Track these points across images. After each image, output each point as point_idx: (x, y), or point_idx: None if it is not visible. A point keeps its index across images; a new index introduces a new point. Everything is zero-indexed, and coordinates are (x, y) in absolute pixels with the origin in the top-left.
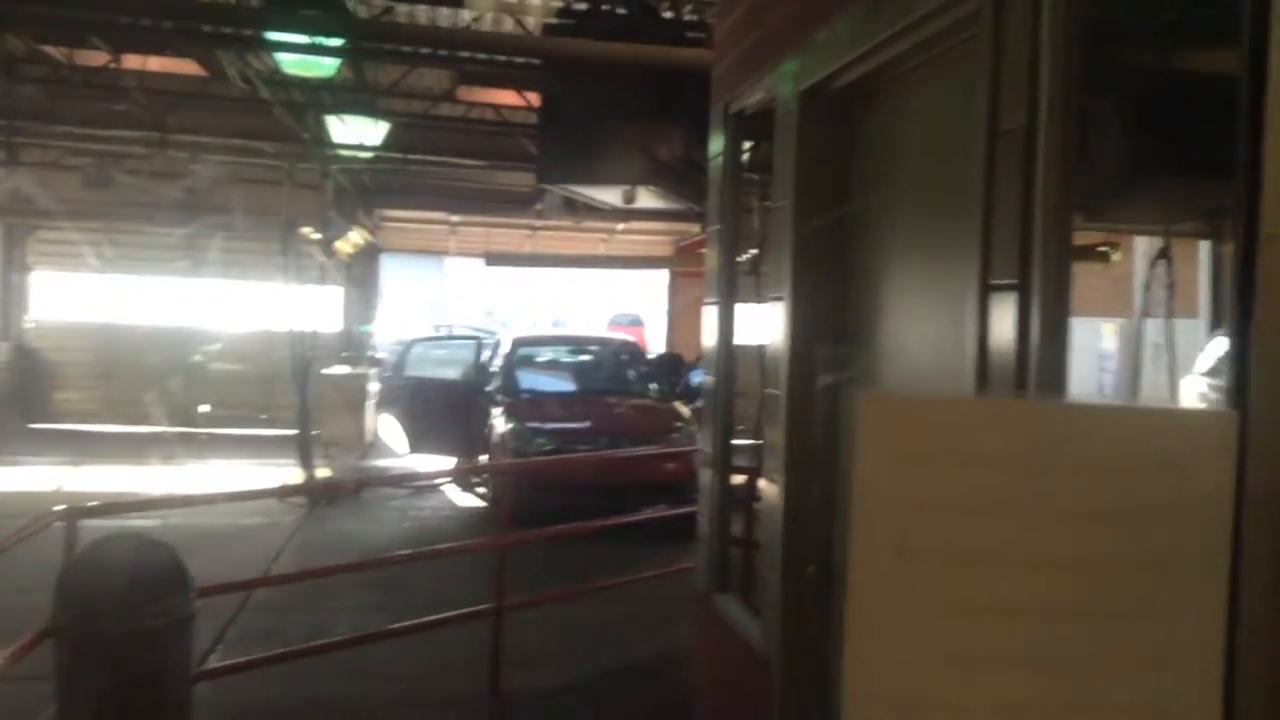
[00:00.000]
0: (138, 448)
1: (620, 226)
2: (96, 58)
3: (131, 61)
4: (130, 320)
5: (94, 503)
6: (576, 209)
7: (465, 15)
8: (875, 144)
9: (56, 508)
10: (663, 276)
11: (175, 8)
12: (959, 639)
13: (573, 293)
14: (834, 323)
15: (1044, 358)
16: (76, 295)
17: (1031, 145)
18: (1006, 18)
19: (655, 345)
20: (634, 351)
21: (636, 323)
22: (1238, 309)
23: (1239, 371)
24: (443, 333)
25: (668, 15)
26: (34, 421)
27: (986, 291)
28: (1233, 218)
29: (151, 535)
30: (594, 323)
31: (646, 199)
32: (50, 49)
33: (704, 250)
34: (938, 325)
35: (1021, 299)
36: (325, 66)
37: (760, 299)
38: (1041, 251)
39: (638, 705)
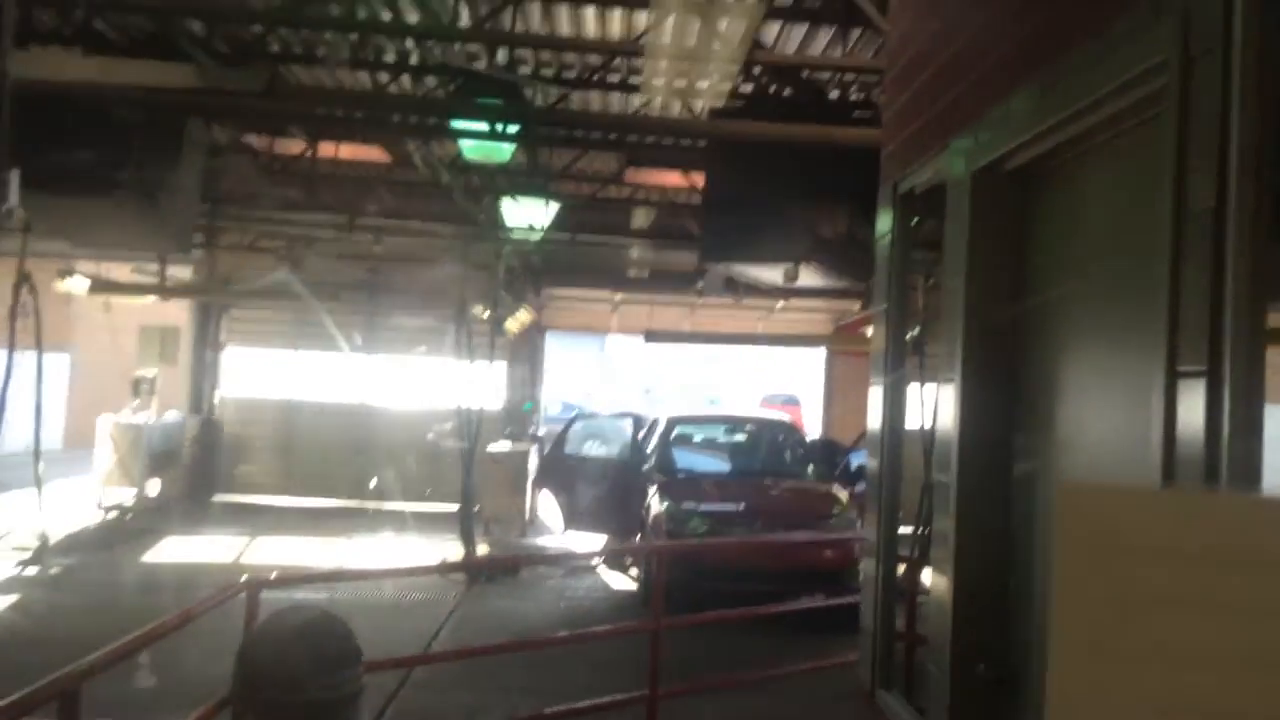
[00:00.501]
0: (313, 520)
1: (779, 304)
2: (294, 146)
3: (325, 149)
4: (310, 396)
5: (273, 574)
6: (736, 287)
7: (635, 101)
8: (1052, 225)
9: (242, 579)
10: (820, 355)
11: (368, 99)
12: None
13: (728, 372)
14: (1007, 408)
15: (1236, 448)
16: (261, 372)
17: (1221, 226)
18: (1193, 96)
19: (811, 425)
20: (790, 432)
21: (792, 401)
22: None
23: None
24: (600, 411)
25: (834, 96)
26: (218, 493)
27: (1174, 379)
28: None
29: (325, 609)
30: (749, 402)
31: (807, 277)
32: (252, 138)
33: (865, 329)
34: (1119, 414)
35: (1212, 386)
36: (503, 152)
37: (924, 379)
38: (1233, 336)
39: None
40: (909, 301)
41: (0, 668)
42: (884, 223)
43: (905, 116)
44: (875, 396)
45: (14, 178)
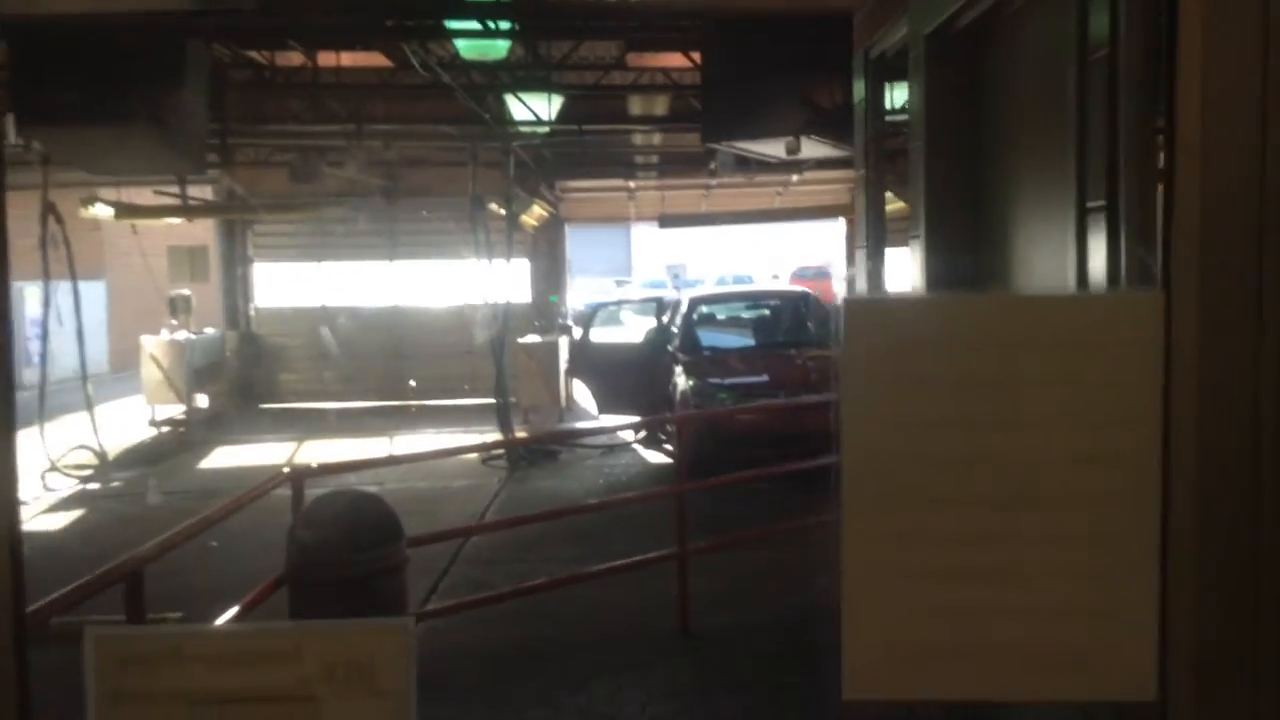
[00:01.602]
0: (355, 422)
1: (795, 178)
2: (294, 58)
3: (326, 59)
4: (342, 303)
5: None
6: (749, 165)
7: None
8: (996, 81)
9: (285, 471)
10: (840, 226)
11: (362, 6)
12: (936, 485)
13: (759, 247)
14: (968, 258)
15: (1131, 267)
16: (292, 283)
17: (1114, 68)
18: None
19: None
20: (811, 303)
21: (823, 275)
22: (1166, 198)
23: (1164, 257)
24: (622, 296)
25: None
26: (262, 402)
27: (1083, 214)
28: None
29: (363, 491)
30: (780, 276)
31: (811, 149)
32: (253, 54)
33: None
34: (1055, 250)
35: (1110, 218)
36: (498, 48)
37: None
38: (1126, 173)
39: (819, 642)
40: (895, 167)
41: (80, 574)
42: (858, 89)
43: None
44: (860, 261)
45: (9, 120)
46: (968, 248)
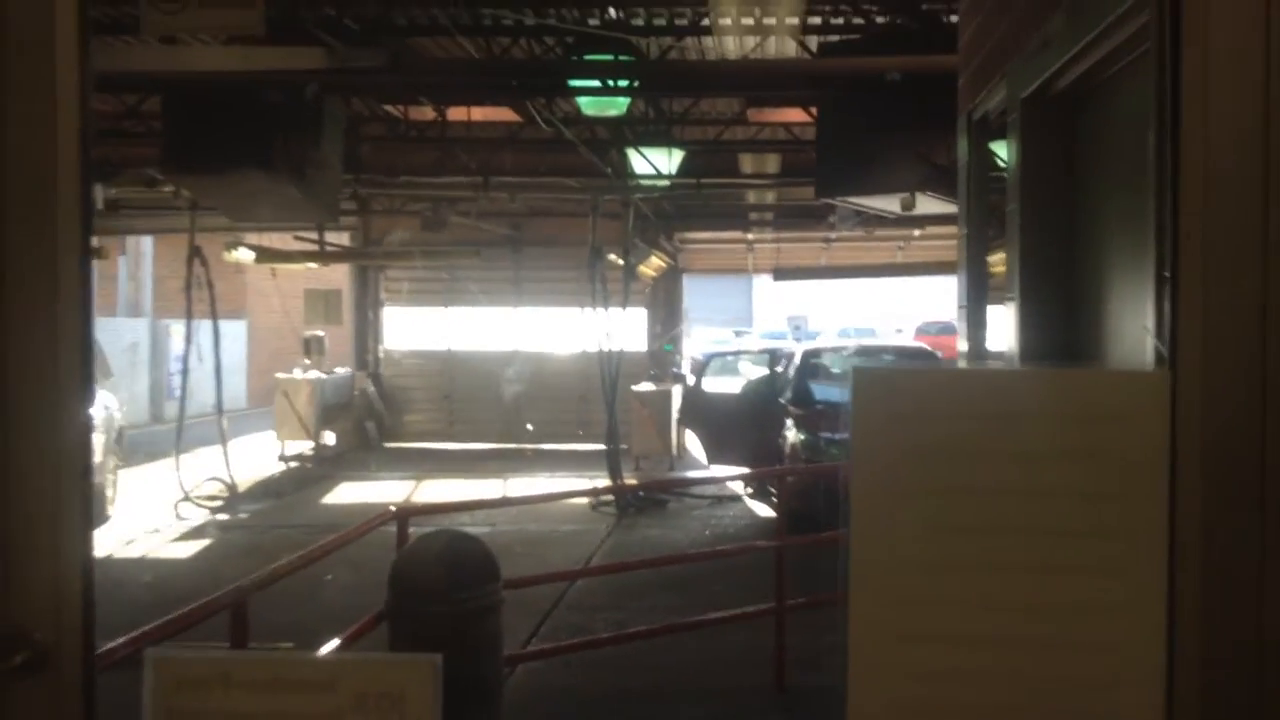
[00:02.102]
0: (474, 462)
1: (917, 233)
2: (426, 113)
3: (456, 113)
4: (466, 346)
5: (419, 506)
6: (868, 220)
7: (749, 41)
8: (1092, 145)
9: (391, 509)
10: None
11: (485, 66)
12: (938, 552)
13: (885, 300)
14: (1060, 324)
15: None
16: (420, 327)
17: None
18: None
19: None
20: (929, 358)
21: (948, 330)
22: (1169, 286)
23: (1171, 337)
24: (740, 347)
25: (948, 20)
26: (388, 441)
27: (1162, 283)
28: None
29: (463, 532)
30: (904, 330)
31: (929, 205)
32: (388, 108)
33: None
34: (1138, 317)
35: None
36: (618, 104)
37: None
38: None
39: None
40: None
41: (196, 600)
42: (962, 150)
43: (974, 46)
44: (960, 320)
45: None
46: (1061, 313)
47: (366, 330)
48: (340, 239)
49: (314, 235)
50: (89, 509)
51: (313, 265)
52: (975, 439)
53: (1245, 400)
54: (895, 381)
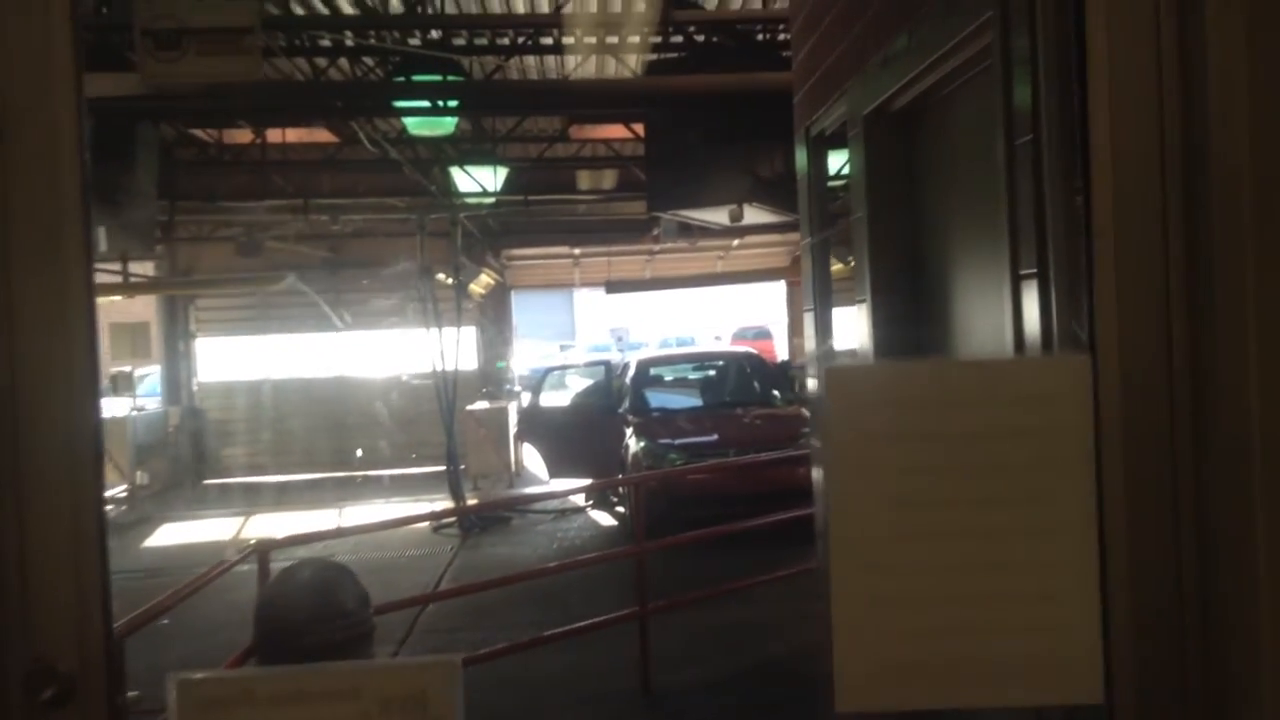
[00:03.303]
0: (302, 494)
1: (735, 243)
2: (242, 136)
3: (272, 136)
4: (287, 375)
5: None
6: (691, 231)
7: (571, 61)
8: (931, 158)
9: (252, 543)
10: (780, 288)
11: (307, 89)
12: (907, 524)
13: (701, 309)
14: (910, 322)
15: (1062, 332)
16: (237, 357)
17: (1038, 153)
18: (1013, 44)
19: (782, 354)
20: (756, 362)
21: (763, 334)
22: (1087, 276)
23: (1089, 326)
24: (568, 360)
25: (762, 39)
26: (207, 477)
27: (1017, 281)
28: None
29: (336, 563)
30: (722, 337)
31: (754, 215)
32: (199, 132)
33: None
34: (991, 316)
35: (1042, 283)
36: (445, 124)
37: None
38: (1054, 241)
39: (778, 697)
40: (841, 232)
41: None
42: (801, 163)
43: (811, 63)
44: (809, 322)
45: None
46: (911, 312)
47: (178, 363)
48: (145, 269)
49: (117, 266)
50: (105, 539)
51: (117, 298)
52: (929, 423)
53: (1155, 379)
54: (861, 375)
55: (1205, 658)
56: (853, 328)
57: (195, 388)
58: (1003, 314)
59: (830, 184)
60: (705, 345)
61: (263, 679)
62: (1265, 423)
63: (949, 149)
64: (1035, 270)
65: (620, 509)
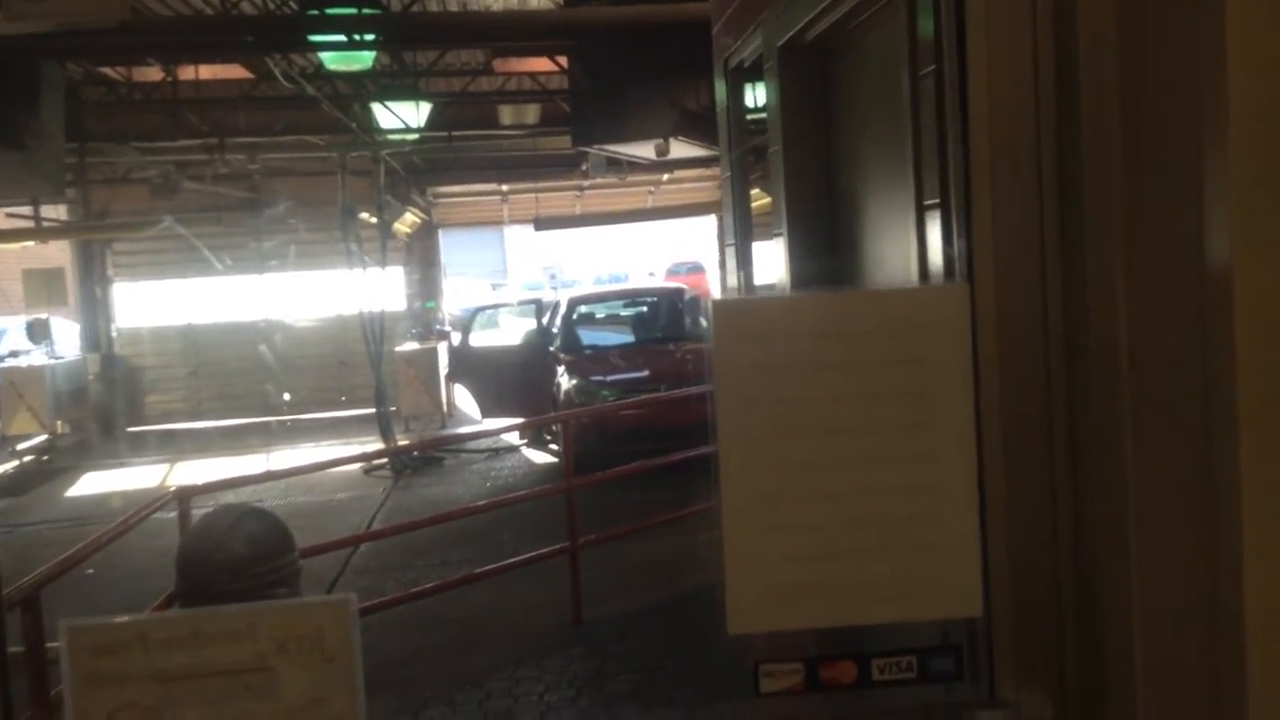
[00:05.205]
0: (228, 440)
1: (665, 178)
2: (152, 74)
3: (185, 73)
4: (210, 319)
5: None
6: (621, 166)
7: None
8: (844, 89)
9: (171, 488)
10: (712, 222)
11: (222, 24)
12: (796, 452)
13: (634, 245)
14: (826, 254)
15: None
16: (158, 301)
17: (940, 85)
18: None
19: (715, 288)
20: (686, 298)
21: (697, 270)
22: (962, 200)
23: (968, 256)
24: (500, 299)
25: None
26: (129, 425)
27: (921, 212)
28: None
29: (258, 507)
30: (656, 273)
31: (682, 150)
32: (107, 70)
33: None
34: (901, 247)
35: (944, 214)
36: (363, 58)
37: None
38: (954, 173)
39: (705, 623)
40: (760, 165)
41: None
42: (720, 96)
43: None
44: (729, 256)
45: None
46: (826, 244)
47: (95, 309)
48: (58, 213)
49: (28, 211)
50: None
51: (30, 244)
52: (813, 353)
53: (1029, 307)
54: (747, 308)
55: (1077, 569)
56: (773, 261)
57: (115, 334)
58: (910, 245)
59: (751, 117)
60: (638, 282)
61: (156, 623)
62: (1131, 348)
63: (861, 80)
64: (938, 201)
65: (554, 446)
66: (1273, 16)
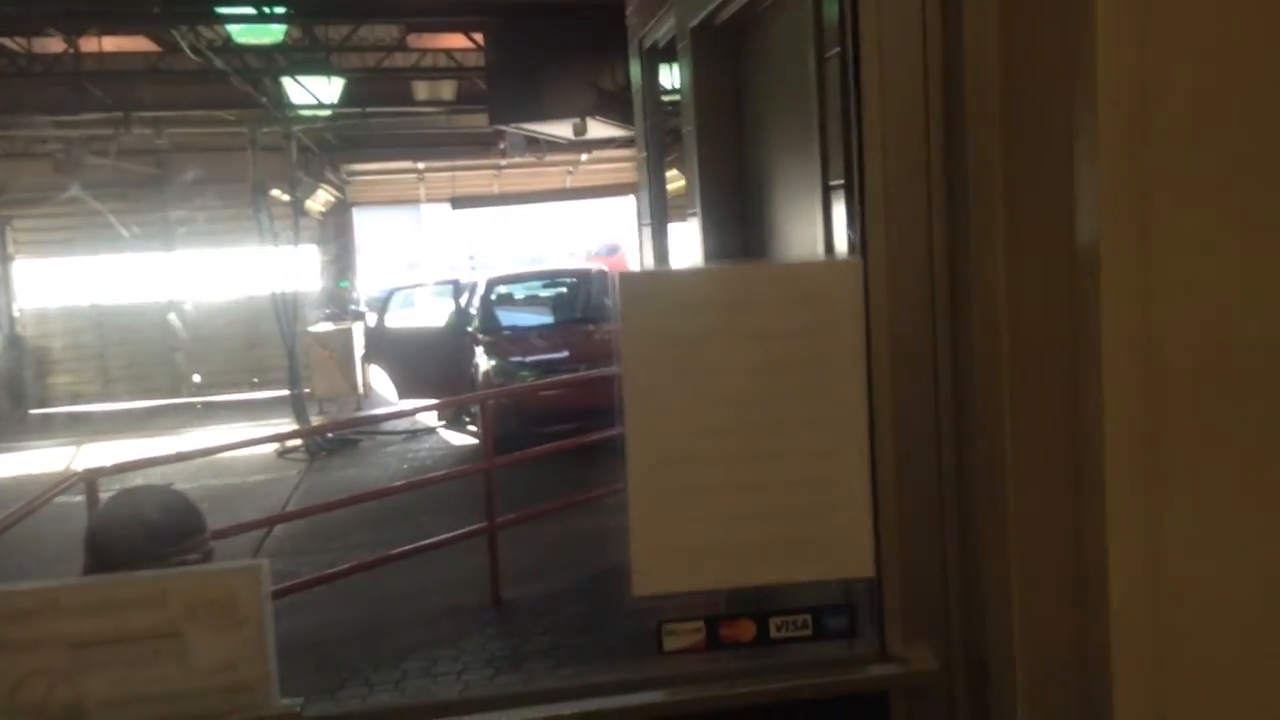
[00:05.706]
0: (137, 422)
1: (584, 158)
2: (54, 45)
3: (88, 44)
4: (117, 299)
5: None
6: (539, 145)
7: None
8: (754, 70)
9: (78, 471)
10: (631, 203)
11: None
12: (698, 418)
13: (554, 227)
14: (736, 233)
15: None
16: (61, 280)
17: (845, 67)
18: None
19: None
20: (606, 279)
21: (614, 251)
22: (857, 180)
23: (861, 231)
24: (416, 280)
25: None
26: (32, 408)
27: (827, 191)
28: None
29: (167, 487)
30: (576, 256)
31: (599, 129)
32: (6, 40)
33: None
34: (809, 226)
35: (849, 194)
36: (274, 31)
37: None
38: (860, 155)
39: (622, 601)
40: (676, 146)
41: None
42: (635, 77)
43: None
44: (645, 237)
45: None
46: (738, 223)
47: None
48: None
49: None
50: None
51: None
52: (716, 324)
53: (917, 281)
54: (652, 281)
55: (961, 532)
56: (687, 241)
57: (16, 313)
58: (817, 224)
59: (667, 98)
60: (559, 263)
61: (67, 590)
62: (1011, 321)
63: (772, 62)
64: (843, 181)
65: (473, 428)
66: (1135, 17)
